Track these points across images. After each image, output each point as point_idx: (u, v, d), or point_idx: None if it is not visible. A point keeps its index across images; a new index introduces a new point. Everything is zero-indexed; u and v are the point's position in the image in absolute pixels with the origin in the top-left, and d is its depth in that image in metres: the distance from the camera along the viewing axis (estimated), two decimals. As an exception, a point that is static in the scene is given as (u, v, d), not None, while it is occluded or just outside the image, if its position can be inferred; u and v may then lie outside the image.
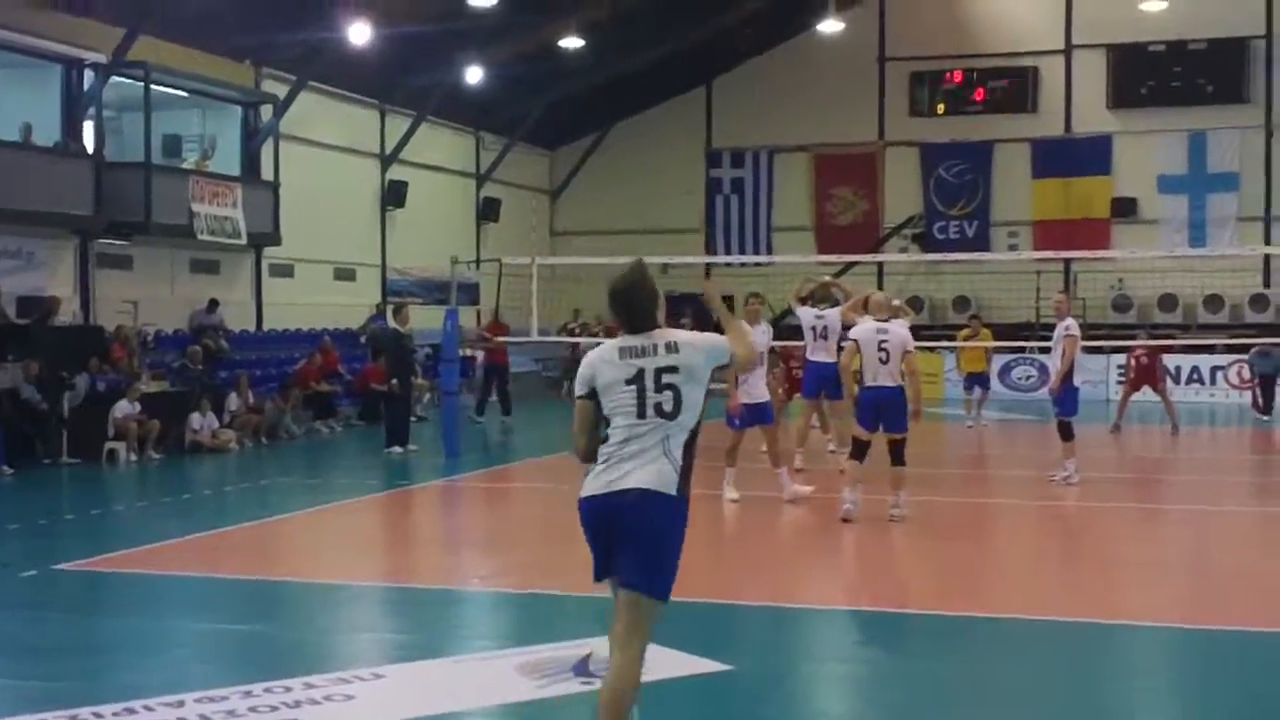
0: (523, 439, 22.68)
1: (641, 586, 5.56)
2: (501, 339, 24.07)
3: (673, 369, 5.57)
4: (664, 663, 7.60)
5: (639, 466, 5.50)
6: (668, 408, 5.55)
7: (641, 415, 5.54)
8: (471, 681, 7.44)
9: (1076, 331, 15.23)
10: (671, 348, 5.61)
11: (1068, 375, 15.08)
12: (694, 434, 5.63)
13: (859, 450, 12.45)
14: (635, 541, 5.51)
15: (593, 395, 5.65)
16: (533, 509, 14.65)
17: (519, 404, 25.53)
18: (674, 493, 5.53)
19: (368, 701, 7.01)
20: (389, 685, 7.33)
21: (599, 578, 5.65)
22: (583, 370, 5.72)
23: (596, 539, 5.59)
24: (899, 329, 12.56)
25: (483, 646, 8.31)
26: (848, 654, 8.45)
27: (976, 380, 23.49)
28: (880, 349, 12.27)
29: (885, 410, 12.34)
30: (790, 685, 7.56)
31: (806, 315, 15.86)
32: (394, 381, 19.53)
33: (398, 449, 19.04)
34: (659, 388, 5.55)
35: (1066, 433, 15.15)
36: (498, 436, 23.23)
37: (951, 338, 29.56)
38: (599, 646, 7.81)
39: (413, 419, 20.99)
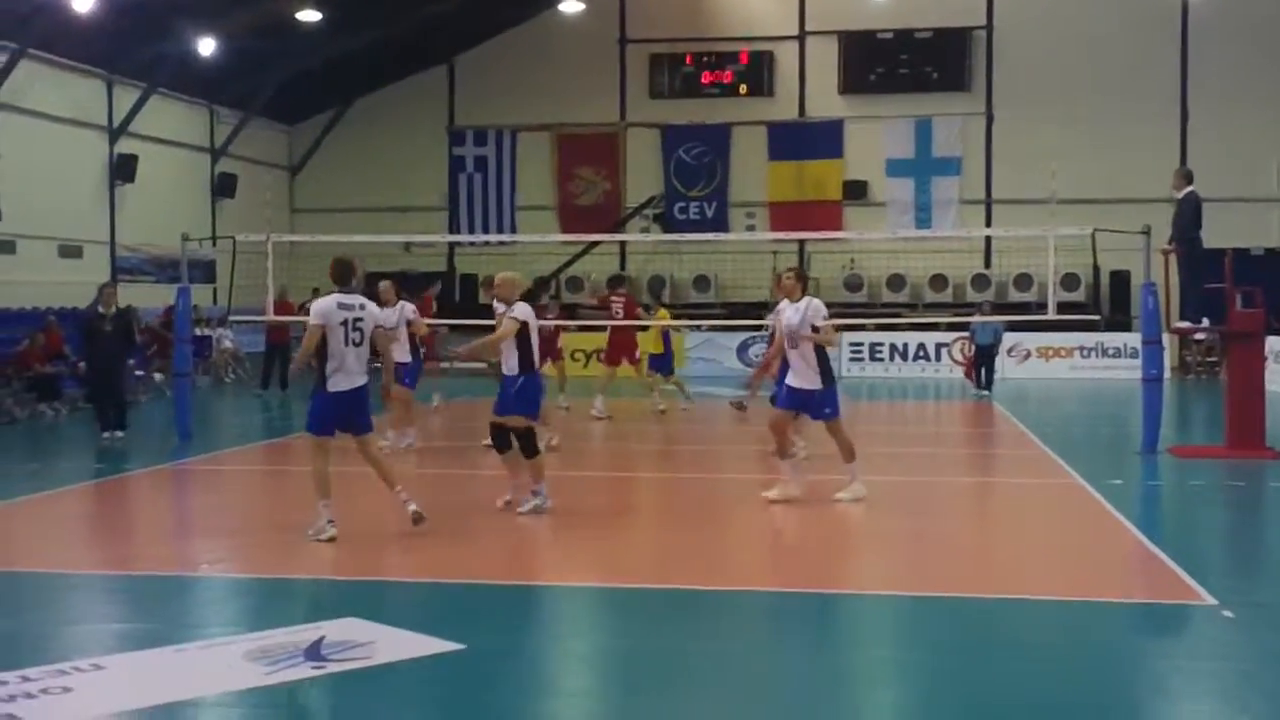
0: (262, 420, 22.27)
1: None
2: (283, 317, 23.29)
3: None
4: (396, 644, 7.63)
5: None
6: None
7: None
8: (196, 670, 7.31)
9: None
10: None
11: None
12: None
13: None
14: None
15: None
16: (264, 492, 14.40)
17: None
18: None
19: (86, 693, 6.82)
20: (109, 676, 7.15)
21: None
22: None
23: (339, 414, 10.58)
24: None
25: (210, 634, 8.16)
26: (580, 630, 8.60)
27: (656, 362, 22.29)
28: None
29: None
30: (522, 663, 7.66)
31: None
32: (79, 364, 18.69)
33: (119, 434, 18.08)
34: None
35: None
36: (236, 417, 22.76)
37: (693, 318, 30.23)
38: (331, 630, 7.80)
39: (130, 400, 20.18)
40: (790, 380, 12.58)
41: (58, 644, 7.96)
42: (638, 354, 21.44)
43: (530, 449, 11.83)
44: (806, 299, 12.44)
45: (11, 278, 25.63)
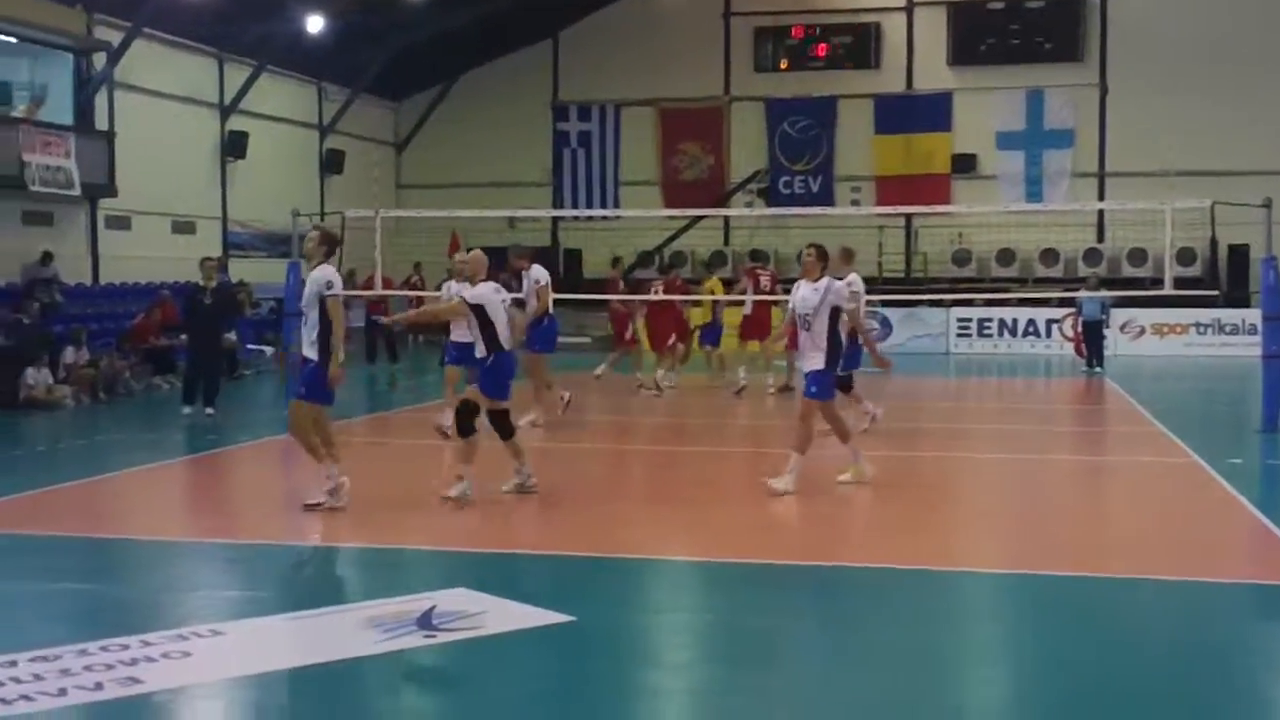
0: (366, 393, 22.50)
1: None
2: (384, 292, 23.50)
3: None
4: (506, 615, 7.65)
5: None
6: None
7: None
8: (312, 637, 7.40)
9: (859, 288, 15.30)
10: None
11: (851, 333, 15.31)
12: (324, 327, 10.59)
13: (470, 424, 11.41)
14: None
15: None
16: (375, 464, 14.54)
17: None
18: None
19: (206, 658, 6.93)
20: (227, 642, 7.25)
21: None
22: None
23: None
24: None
25: (324, 602, 8.25)
26: (688, 604, 8.57)
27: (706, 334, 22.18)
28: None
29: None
30: (630, 636, 7.65)
31: None
32: (182, 337, 18.69)
33: (186, 409, 17.89)
34: None
35: (848, 386, 15.19)
36: (343, 391, 22.98)
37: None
38: (442, 600, 7.85)
39: (236, 375, 20.44)
40: (801, 363, 11.96)
41: (177, 610, 8.10)
42: (769, 331, 20.50)
43: (505, 430, 11.41)
44: (826, 279, 11.64)
45: (127, 253, 26.13)
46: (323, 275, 10.70)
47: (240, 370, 23.75)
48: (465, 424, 11.22)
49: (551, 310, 16.54)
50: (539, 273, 16.17)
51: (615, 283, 23.37)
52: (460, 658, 7.00)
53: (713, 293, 21.46)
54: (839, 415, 12.13)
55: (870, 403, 15.67)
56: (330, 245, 10.98)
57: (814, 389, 11.56)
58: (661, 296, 20.40)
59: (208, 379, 18.25)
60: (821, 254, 11.73)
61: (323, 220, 26.33)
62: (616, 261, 25.73)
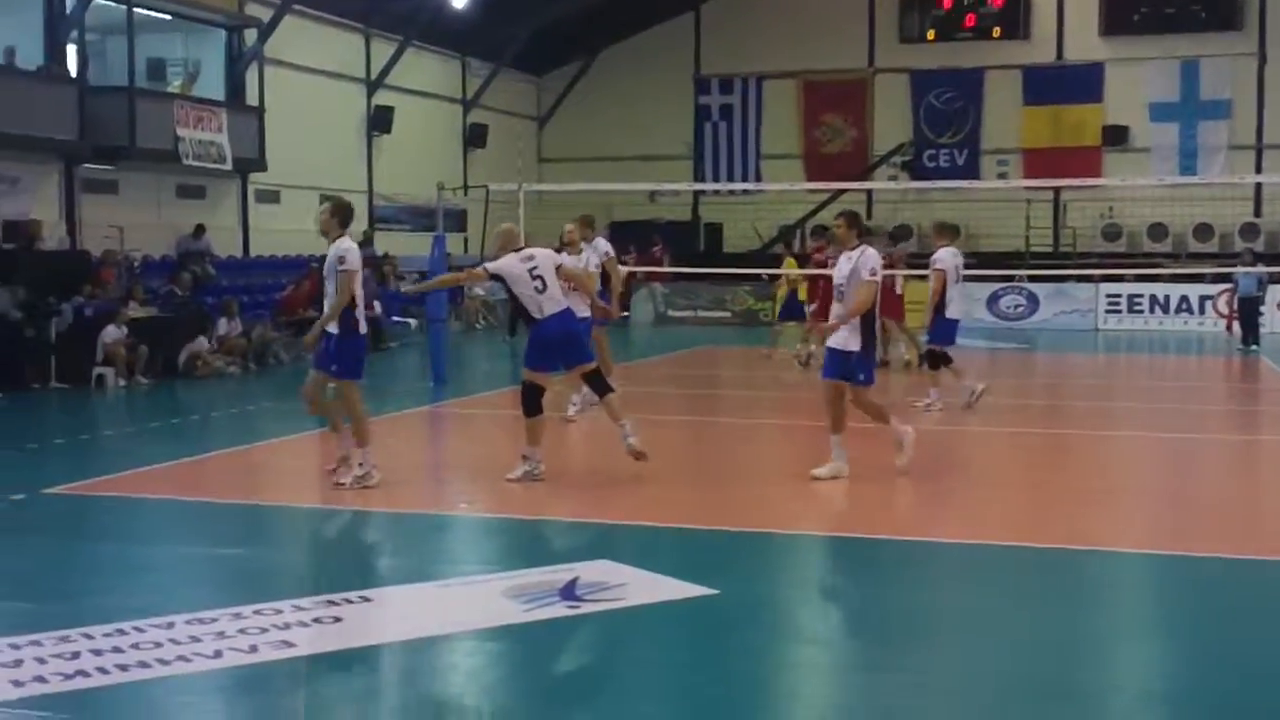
0: (511, 366, 22.69)
1: None
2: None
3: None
4: (648, 587, 7.66)
5: None
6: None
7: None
8: (458, 605, 7.48)
9: (945, 264, 15.19)
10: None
11: (939, 307, 15.11)
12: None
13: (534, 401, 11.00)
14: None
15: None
16: (518, 435, 14.67)
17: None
18: None
19: (356, 623, 7.06)
20: (376, 608, 7.38)
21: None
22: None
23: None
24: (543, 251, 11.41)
25: (470, 571, 8.36)
26: (831, 579, 8.51)
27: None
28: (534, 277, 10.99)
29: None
30: (772, 610, 7.62)
31: None
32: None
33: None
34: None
35: (934, 361, 15.25)
36: (487, 363, 23.27)
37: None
38: (585, 571, 7.88)
39: (380, 348, 20.56)
40: (831, 341, 11.05)
41: (328, 576, 8.27)
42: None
43: (598, 387, 11.19)
44: (861, 248, 10.89)
45: (276, 226, 26.67)
46: (337, 249, 10.53)
47: (385, 342, 24.13)
48: (529, 403, 10.98)
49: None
50: (605, 244, 15.08)
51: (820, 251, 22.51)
52: (604, 629, 7.03)
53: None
54: (840, 405, 11.06)
55: (970, 379, 15.37)
56: (343, 216, 10.78)
57: (861, 376, 10.88)
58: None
59: None
60: (852, 221, 11.08)
61: (465, 195, 26.72)
62: (823, 231, 21.89)
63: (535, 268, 10.86)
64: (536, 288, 10.82)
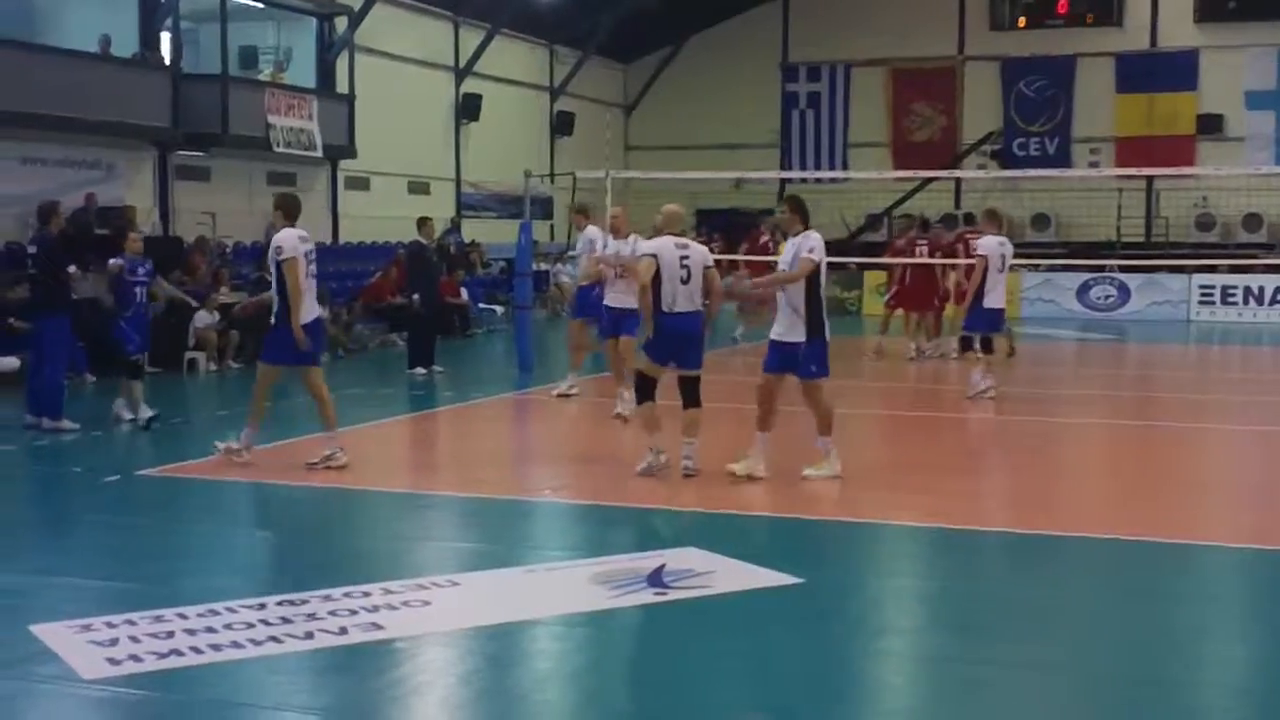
0: (594, 354, 22.72)
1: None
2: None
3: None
4: (735, 575, 7.64)
5: None
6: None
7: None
8: (546, 590, 7.52)
9: (988, 251, 15.11)
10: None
11: (979, 295, 15.08)
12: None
13: (648, 389, 10.76)
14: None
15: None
16: (605, 423, 14.69)
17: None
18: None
19: (444, 607, 7.10)
20: (464, 593, 7.42)
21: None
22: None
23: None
24: (699, 246, 11.00)
25: (556, 557, 8.38)
26: (918, 569, 8.44)
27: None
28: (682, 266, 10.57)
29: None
30: (859, 599, 7.57)
31: None
32: (415, 297, 18.64)
33: (420, 370, 18.06)
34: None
35: (966, 346, 15.43)
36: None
37: (1030, 257, 29.10)
38: (671, 558, 7.88)
39: (467, 335, 20.61)
40: (773, 332, 10.57)
41: (416, 560, 8.34)
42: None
43: (643, 393, 10.74)
44: (805, 233, 10.44)
45: (365, 213, 26.92)
46: (275, 240, 10.98)
47: (472, 329, 24.27)
48: (642, 390, 10.78)
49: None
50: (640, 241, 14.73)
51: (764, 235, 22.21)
52: (691, 615, 7.02)
53: None
54: (774, 403, 10.66)
55: (992, 378, 15.19)
56: (286, 209, 11.13)
57: (813, 368, 10.36)
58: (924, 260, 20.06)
59: (428, 339, 18.63)
60: (795, 207, 10.63)
61: (553, 182, 26.81)
62: (926, 223, 22.13)
63: (687, 258, 10.57)
64: (682, 277, 10.51)
